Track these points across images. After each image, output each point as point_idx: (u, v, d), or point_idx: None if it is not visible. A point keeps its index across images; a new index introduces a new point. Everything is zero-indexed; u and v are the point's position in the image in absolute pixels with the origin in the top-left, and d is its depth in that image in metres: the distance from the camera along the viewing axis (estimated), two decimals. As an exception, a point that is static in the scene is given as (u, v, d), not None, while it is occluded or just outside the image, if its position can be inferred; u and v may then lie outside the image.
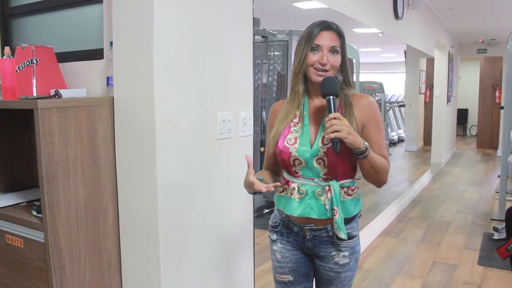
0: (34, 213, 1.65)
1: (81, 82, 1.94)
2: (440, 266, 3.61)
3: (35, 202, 1.78)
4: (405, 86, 6.59)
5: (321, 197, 1.54)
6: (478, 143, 10.90)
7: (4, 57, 1.73)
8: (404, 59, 6.03)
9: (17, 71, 1.79)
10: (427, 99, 7.98)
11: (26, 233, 1.65)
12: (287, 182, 1.60)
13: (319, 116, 1.58)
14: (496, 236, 4.16)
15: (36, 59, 1.80)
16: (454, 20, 7.60)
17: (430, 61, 7.60)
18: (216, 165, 1.91)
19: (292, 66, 1.60)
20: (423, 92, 7.85)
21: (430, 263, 3.68)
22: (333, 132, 1.40)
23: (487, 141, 10.64)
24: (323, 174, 1.54)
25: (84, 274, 1.67)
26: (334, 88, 1.48)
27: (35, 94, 1.80)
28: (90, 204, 1.68)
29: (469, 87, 12.35)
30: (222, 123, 1.88)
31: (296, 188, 1.57)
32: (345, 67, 1.58)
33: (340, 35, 1.55)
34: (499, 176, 5.26)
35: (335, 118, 1.41)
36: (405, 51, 5.86)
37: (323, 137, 1.52)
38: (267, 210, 4.86)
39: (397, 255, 3.86)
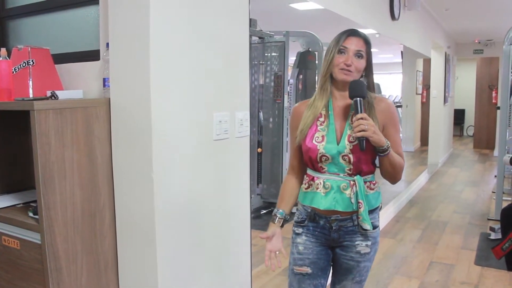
0: (31, 214, 1.65)
1: (78, 83, 1.94)
2: (437, 266, 3.61)
3: (31, 204, 1.78)
4: (402, 87, 6.61)
5: (346, 191, 1.66)
6: (475, 144, 10.92)
7: (0, 59, 1.72)
8: (401, 60, 6.05)
9: (13, 72, 1.79)
10: (424, 100, 8.01)
11: (23, 235, 1.64)
12: (312, 178, 1.72)
13: (343, 116, 1.71)
14: (493, 236, 4.17)
15: (32, 61, 1.80)
16: (451, 20, 7.62)
17: (427, 62, 7.63)
18: (212, 166, 1.91)
19: (321, 68, 1.74)
20: (420, 92, 7.88)
21: (428, 263, 3.69)
22: (360, 131, 1.54)
23: (484, 142, 10.66)
24: (348, 170, 1.66)
25: (81, 275, 1.67)
26: (361, 90, 1.62)
27: (31, 96, 1.80)
28: (87, 205, 1.68)
29: (465, 88, 12.38)
30: (218, 124, 1.89)
31: (322, 183, 1.68)
32: (370, 73, 1.72)
33: (367, 42, 1.68)
34: (496, 176, 5.27)
35: (362, 119, 1.55)
36: (402, 52, 5.88)
37: (349, 135, 1.65)
38: (264, 211, 4.87)
39: (395, 255, 3.87)
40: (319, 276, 1.77)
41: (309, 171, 1.74)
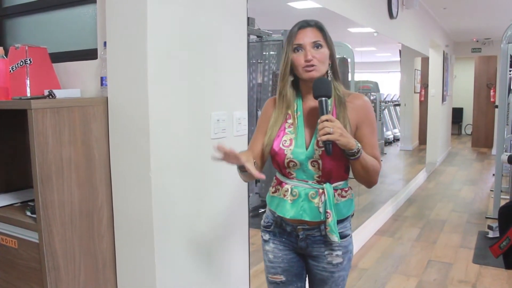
0: (28, 213, 1.65)
1: (75, 82, 1.94)
2: (435, 265, 3.62)
3: (29, 203, 1.77)
4: (400, 86, 6.61)
5: (314, 199, 1.54)
6: (473, 142, 10.94)
7: (-2, 58, 1.72)
8: (399, 59, 6.05)
9: (10, 71, 1.78)
10: (422, 98, 8.01)
11: (20, 234, 1.64)
12: (280, 183, 1.61)
13: (313, 118, 1.57)
14: (491, 234, 4.18)
15: (29, 60, 1.80)
16: (449, 19, 7.63)
17: (425, 61, 7.63)
18: (210, 164, 1.90)
19: (280, 72, 1.59)
20: (418, 91, 7.87)
21: (426, 261, 3.69)
22: (325, 134, 1.40)
23: (482, 140, 10.68)
24: (317, 177, 1.54)
25: (78, 274, 1.66)
26: (326, 89, 1.48)
27: (28, 95, 1.79)
28: (85, 205, 1.68)
29: (464, 86, 12.40)
30: (216, 123, 1.89)
31: (289, 190, 1.57)
32: (333, 60, 1.56)
33: (321, 29, 1.54)
34: (494, 174, 5.28)
35: (327, 120, 1.41)
36: (400, 51, 5.88)
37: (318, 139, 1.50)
38: (262, 210, 4.86)
39: (393, 254, 3.87)
40: (295, 281, 1.69)
41: (278, 175, 1.63)
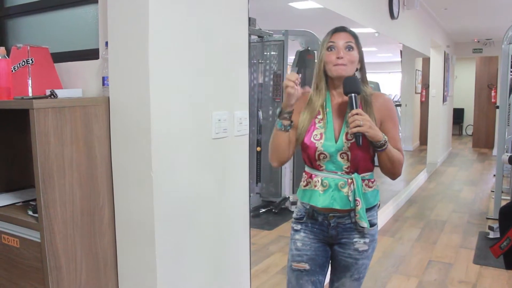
0: (30, 213, 1.65)
1: (77, 82, 1.94)
2: (435, 265, 3.62)
3: (31, 202, 1.78)
4: (401, 86, 6.62)
5: (344, 189, 1.66)
6: (474, 143, 10.93)
7: (0, 57, 1.72)
8: (400, 59, 6.05)
9: (12, 71, 1.79)
10: (423, 99, 8.02)
11: (22, 233, 1.65)
12: (310, 176, 1.73)
13: (341, 113, 1.71)
14: (492, 235, 4.18)
15: (31, 59, 1.80)
16: (450, 20, 7.63)
17: (426, 61, 7.63)
18: (211, 164, 1.91)
19: (315, 69, 1.75)
20: (419, 91, 7.88)
21: (426, 262, 3.70)
22: (356, 127, 1.54)
23: (483, 141, 10.68)
24: (345, 168, 1.67)
25: (80, 274, 1.67)
26: (356, 86, 1.63)
27: (30, 94, 1.80)
28: (86, 204, 1.68)
29: (465, 87, 12.40)
30: (217, 123, 1.89)
31: (320, 181, 1.69)
32: (362, 65, 1.73)
33: (354, 35, 1.70)
34: (494, 175, 5.28)
35: (357, 114, 1.55)
36: (401, 51, 5.89)
37: (347, 133, 1.65)
38: (263, 210, 4.87)
39: (393, 254, 3.87)
40: (317, 273, 1.78)
41: (307, 169, 1.75)
